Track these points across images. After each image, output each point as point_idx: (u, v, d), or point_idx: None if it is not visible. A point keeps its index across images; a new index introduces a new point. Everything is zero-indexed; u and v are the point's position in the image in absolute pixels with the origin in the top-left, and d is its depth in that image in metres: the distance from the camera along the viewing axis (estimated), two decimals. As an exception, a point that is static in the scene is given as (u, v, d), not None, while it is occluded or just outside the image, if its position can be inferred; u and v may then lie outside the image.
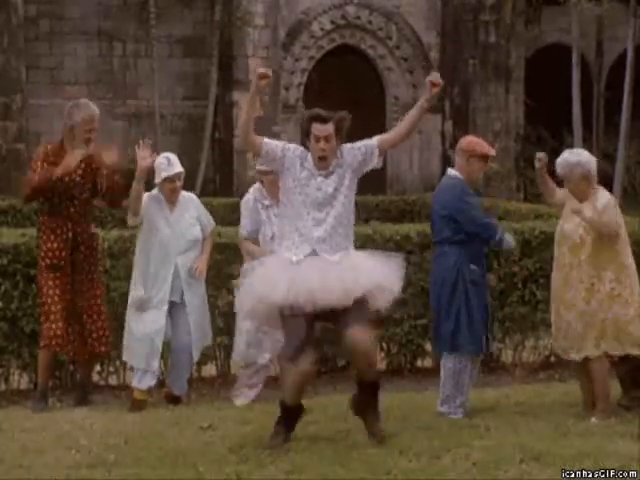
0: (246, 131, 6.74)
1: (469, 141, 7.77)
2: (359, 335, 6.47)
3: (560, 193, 7.79)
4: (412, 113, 6.87)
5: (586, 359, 7.41)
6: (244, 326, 8.09)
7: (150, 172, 8.15)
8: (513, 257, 9.59)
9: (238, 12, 23.12)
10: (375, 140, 6.82)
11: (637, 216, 11.33)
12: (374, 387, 6.75)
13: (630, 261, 7.47)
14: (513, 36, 24.96)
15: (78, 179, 8.21)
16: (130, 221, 8.28)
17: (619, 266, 7.34)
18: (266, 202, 8.22)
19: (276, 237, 7.11)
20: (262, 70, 6.67)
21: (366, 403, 6.75)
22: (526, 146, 25.24)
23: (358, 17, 24.93)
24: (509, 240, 7.62)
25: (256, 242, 8.24)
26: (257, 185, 8.35)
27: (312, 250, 6.62)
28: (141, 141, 8.16)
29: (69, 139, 8.21)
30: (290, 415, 6.69)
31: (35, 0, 23.64)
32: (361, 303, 6.56)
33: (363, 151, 6.77)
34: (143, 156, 8.05)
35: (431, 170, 25.09)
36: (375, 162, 6.82)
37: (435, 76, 6.79)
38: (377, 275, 6.63)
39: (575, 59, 22.88)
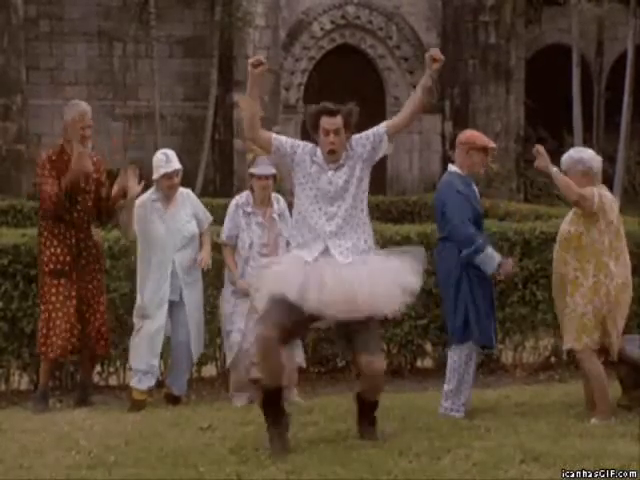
0: (253, 126, 6.69)
1: (469, 134, 7.80)
2: (374, 362, 6.50)
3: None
4: (416, 93, 6.75)
5: (576, 358, 7.47)
6: (234, 328, 8.21)
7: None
8: (513, 258, 9.58)
9: (238, 13, 23.12)
10: (383, 126, 6.75)
11: (637, 216, 11.34)
12: (372, 405, 6.77)
13: (621, 270, 7.41)
14: (513, 37, 24.96)
15: (81, 185, 8.19)
16: (124, 239, 8.36)
17: (600, 263, 7.35)
18: (248, 209, 8.23)
19: (290, 234, 7.02)
20: (255, 57, 6.63)
21: (363, 417, 6.77)
22: (526, 147, 25.21)
23: (358, 17, 24.94)
24: (490, 262, 7.33)
25: (234, 248, 8.26)
26: (246, 192, 8.38)
27: (325, 247, 6.54)
28: (128, 168, 8.14)
29: (66, 140, 8.21)
30: (271, 401, 6.52)
31: (35, 0, 23.65)
32: (372, 321, 6.52)
33: (372, 140, 6.71)
34: (132, 186, 8.07)
35: (431, 171, 25.09)
36: (385, 148, 6.75)
37: (435, 51, 6.67)
38: (389, 283, 6.51)
39: (575, 59, 22.88)
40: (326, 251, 6.54)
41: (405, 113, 6.79)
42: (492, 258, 7.32)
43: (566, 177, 7.41)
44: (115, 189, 8.23)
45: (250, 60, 6.65)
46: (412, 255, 6.69)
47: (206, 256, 8.26)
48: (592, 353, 7.37)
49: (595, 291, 7.33)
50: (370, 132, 6.75)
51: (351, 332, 6.54)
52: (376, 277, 6.49)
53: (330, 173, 6.63)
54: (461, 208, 7.39)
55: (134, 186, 8.09)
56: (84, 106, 8.27)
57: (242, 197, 8.35)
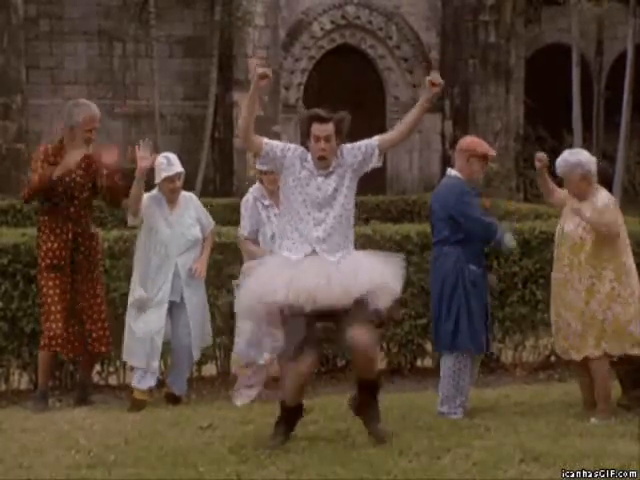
0: (246, 131, 6.73)
1: (469, 141, 7.76)
2: (360, 334, 6.45)
3: (560, 193, 7.78)
4: (412, 113, 6.86)
5: (586, 359, 7.41)
6: (244, 326, 8.09)
7: (150, 172, 8.15)
8: (513, 257, 9.59)
9: (238, 12, 23.12)
10: (376, 140, 6.82)
11: (637, 216, 11.33)
12: (373, 387, 6.74)
13: (630, 261, 7.46)
14: (513, 36, 24.96)
15: (78, 179, 8.20)
16: (130, 221, 8.29)
17: (619, 265, 7.34)
18: (266, 202, 8.21)
19: (276, 237, 7.09)
20: (262, 70, 6.66)
21: (365, 404, 6.75)
22: (526, 146, 25.24)
23: (358, 17, 24.94)
24: (509, 241, 7.62)
25: (256, 242, 8.23)
26: (257, 185, 8.35)
27: (312, 250, 6.63)
28: (141, 141, 8.15)
29: (69, 139, 8.19)
30: (290, 415, 6.69)
31: (35, 0, 23.65)
32: (361, 303, 6.54)
33: (363, 150, 6.77)
34: (143, 156, 8.05)
35: (431, 170, 25.09)
36: (375, 162, 6.82)
37: (435, 76, 6.78)
38: (377, 275, 6.61)
39: (575, 59, 22.88)
40: (312, 253, 6.64)
41: (400, 132, 6.92)
42: (509, 241, 7.64)
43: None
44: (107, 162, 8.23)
45: (259, 70, 6.64)
46: (393, 260, 6.79)
47: (201, 265, 8.25)
48: (605, 358, 7.35)
49: (613, 297, 7.29)
50: (362, 143, 6.82)
51: (340, 315, 6.55)
52: (361, 267, 6.60)
53: (320, 179, 6.70)
54: (473, 206, 7.49)
55: (145, 157, 8.02)
56: (94, 108, 8.25)
57: (257, 191, 8.31)
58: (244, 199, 8.35)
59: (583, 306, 7.33)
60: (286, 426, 6.68)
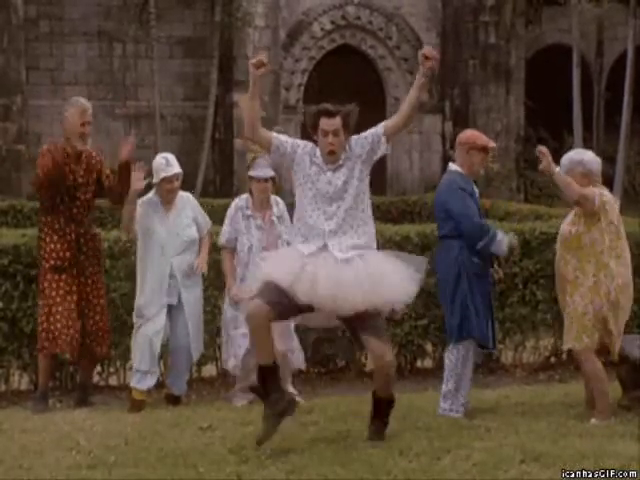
0: (253, 125, 6.66)
1: (469, 134, 7.78)
2: (381, 350, 6.53)
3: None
4: (411, 93, 6.73)
5: (575, 356, 7.51)
6: (238, 333, 8.12)
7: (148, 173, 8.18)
8: (513, 258, 9.58)
9: (238, 13, 23.13)
10: (381, 127, 6.76)
11: (637, 217, 11.33)
12: (388, 405, 6.78)
13: (616, 266, 7.40)
14: (513, 37, 24.97)
15: (80, 179, 8.20)
16: (124, 236, 8.36)
17: (600, 264, 7.36)
18: (248, 212, 8.21)
19: (289, 233, 6.96)
20: (256, 59, 6.57)
21: (376, 416, 6.77)
22: (527, 147, 25.25)
23: (358, 17, 24.95)
24: (503, 244, 7.50)
25: (234, 251, 8.25)
26: (245, 195, 8.36)
27: (324, 244, 6.55)
28: (137, 163, 8.09)
29: (66, 137, 8.20)
30: (267, 377, 6.50)
31: (35, 1, 23.67)
32: (376, 313, 6.52)
33: (370, 140, 6.71)
34: (138, 177, 8.04)
35: (431, 171, 25.09)
36: (383, 149, 6.76)
37: (428, 49, 6.60)
38: (388, 286, 6.51)
39: (575, 60, 22.89)
40: (324, 247, 6.56)
41: (402, 114, 6.78)
42: (502, 242, 7.47)
43: (568, 177, 7.42)
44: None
45: (252, 61, 6.62)
46: (413, 262, 6.71)
47: (202, 262, 8.25)
48: (591, 353, 7.37)
49: (595, 291, 7.34)
50: (368, 133, 6.76)
51: (356, 326, 6.54)
52: (374, 275, 6.49)
53: (329, 174, 6.64)
54: (466, 203, 7.45)
55: (139, 180, 8.05)
56: (84, 102, 8.27)
57: (242, 200, 8.34)
58: (230, 206, 8.38)
59: (568, 299, 7.44)
60: (268, 400, 6.48)
